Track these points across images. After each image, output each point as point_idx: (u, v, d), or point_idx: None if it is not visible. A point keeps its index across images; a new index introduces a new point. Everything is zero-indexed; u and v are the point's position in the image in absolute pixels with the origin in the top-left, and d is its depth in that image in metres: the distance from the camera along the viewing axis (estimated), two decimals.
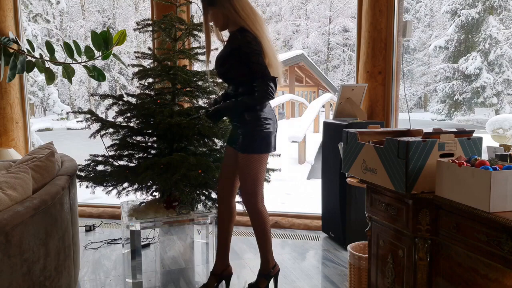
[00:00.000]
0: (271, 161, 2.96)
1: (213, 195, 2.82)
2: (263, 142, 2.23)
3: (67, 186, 2.15)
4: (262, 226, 2.36)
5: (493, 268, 1.36)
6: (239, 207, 2.91)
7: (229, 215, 2.46)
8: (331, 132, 3.26)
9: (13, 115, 3.96)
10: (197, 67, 3.38)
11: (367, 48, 3.37)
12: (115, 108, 2.89)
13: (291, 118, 14.51)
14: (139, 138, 2.90)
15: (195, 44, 3.11)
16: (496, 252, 1.32)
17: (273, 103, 12.22)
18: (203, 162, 2.62)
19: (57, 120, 19.53)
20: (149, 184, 2.84)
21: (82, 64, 3.41)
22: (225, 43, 2.26)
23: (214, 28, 2.29)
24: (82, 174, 2.82)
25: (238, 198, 2.87)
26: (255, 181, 2.29)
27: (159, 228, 3.50)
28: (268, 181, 2.90)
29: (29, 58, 3.46)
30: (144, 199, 2.98)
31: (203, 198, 2.82)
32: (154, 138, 2.90)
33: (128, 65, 3.74)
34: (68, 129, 18.44)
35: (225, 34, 2.30)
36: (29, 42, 3.54)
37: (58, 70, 4.60)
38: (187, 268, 2.88)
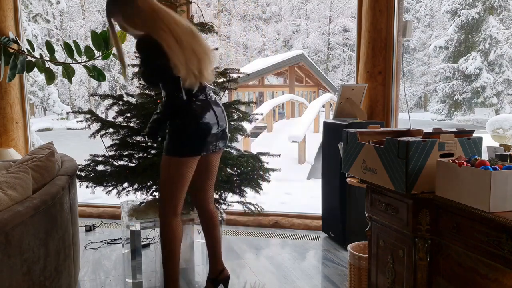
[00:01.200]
0: (271, 161, 2.97)
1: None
2: (179, 144, 2.07)
3: (67, 186, 2.15)
4: (165, 243, 2.16)
5: (493, 268, 1.36)
6: (239, 207, 2.91)
7: (211, 222, 2.36)
8: (331, 132, 3.26)
9: (13, 115, 3.96)
10: None
11: (367, 48, 3.37)
12: (115, 108, 2.88)
13: (291, 118, 14.51)
14: (139, 138, 2.90)
15: None
16: (496, 252, 1.32)
17: (273, 103, 12.03)
18: None
19: (57, 120, 19.54)
20: (149, 184, 2.84)
21: (82, 64, 3.41)
22: None
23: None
24: (82, 174, 2.82)
25: (239, 198, 2.88)
26: (167, 186, 2.13)
27: (159, 228, 3.49)
28: (268, 181, 2.91)
29: (29, 58, 3.46)
30: (144, 199, 2.98)
31: None
32: None
33: (128, 65, 3.73)
34: (68, 129, 18.45)
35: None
36: (29, 42, 3.54)
37: (58, 70, 4.60)
38: (187, 268, 2.88)
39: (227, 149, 2.92)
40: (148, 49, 1.99)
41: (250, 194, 2.89)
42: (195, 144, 2.08)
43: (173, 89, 2.01)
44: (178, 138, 2.06)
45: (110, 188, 2.85)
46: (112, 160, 2.84)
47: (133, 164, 2.83)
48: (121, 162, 2.84)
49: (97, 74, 3.40)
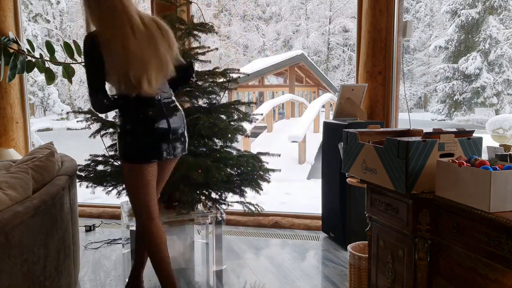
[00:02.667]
0: (271, 161, 2.97)
1: (213, 195, 2.82)
2: (126, 151, 2.03)
3: (67, 186, 2.15)
4: (151, 250, 2.12)
5: (493, 268, 1.36)
6: (239, 207, 2.91)
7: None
8: (331, 132, 3.26)
9: (13, 115, 3.96)
10: (197, 67, 3.38)
11: (367, 48, 3.37)
12: None
13: (291, 118, 14.51)
14: None
15: (195, 44, 3.11)
16: (496, 252, 1.32)
17: (273, 103, 12.02)
18: (203, 162, 2.62)
19: (57, 120, 19.54)
20: None
21: (82, 64, 3.41)
22: None
23: None
24: (82, 174, 2.82)
25: (239, 198, 2.88)
26: (130, 194, 2.11)
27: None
28: (268, 181, 2.90)
29: (29, 58, 3.46)
30: None
31: (203, 198, 2.82)
32: None
33: None
34: (68, 129, 18.44)
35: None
36: (29, 42, 3.54)
37: (58, 70, 4.59)
38: (187, 268, 2.88)
39: (227, 149, 2.93)
40: (85, 46, 1.94)
41: (250, 194, 2.89)
42: (144, 150, 2.01)
43: (92, 86, 1.95)
44: (126, 144, 2.02)
45: (110, 188, 2.85)
46: (112, 160, 2.84)
47: None
48: None
49: None
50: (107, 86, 1.99)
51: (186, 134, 2.16)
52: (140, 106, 2.00)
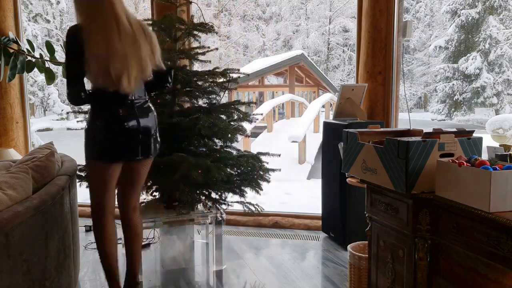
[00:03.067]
0: (271, 161, 2.97)
1: (213, 195, 2.82)
2: (90, 147, 2.03)
3: (67, 186, 2.15)
4: (97, 244, 2.15)
5: (493, 268, 1.36)
6: (239, 207, 2.91)
7: (131, 230, 2.28)
8: (331, 132, 3.26)
9: (13, 115, 3.95)
10: (197, 67, 3.38)
11: (367, 48, 3.37)
12: None
13: (291, 118, 14.51)
14: None
15: (195, 44, 3.11)
16: (496, 252, 1.32)
17: (273, 103, 12.02)
18: (203, 162, 2.62)
19: (57, 120, 19.54)
20: (149, 184, 2.84)
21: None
22: None
23: None
24: (82, 174, 2.81)
25: (239, 198, 2.87)
26: (90, 188, 2.14)
27: (159, 228, 3.49)
28: (268, 181, 2.90)
29: (29, 58, 3.46)
30: (144, 199, 2.98)
31: (203, 198, 2.82)
32: None
33: None
34: (68, 129, 18.45)
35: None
36: (29, 42, 3.54)
37: (58, 70, 4.60)
38: (187, 268, 2.88)
39: (227, 149, 2.93)
40: (67, 36, 1.95)
41: (250, 194, 2.89)
42: (110, 149, 2.01)
43: (71, 77, 1.96)
44: (92, 140, 2.02)
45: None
46: None
47: None
48: None
49: None
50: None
51: (157, 136, 2.14)
52: (112, 104, 1.99)
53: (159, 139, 2.17)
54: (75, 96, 1.97)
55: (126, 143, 2.02)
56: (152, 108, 2.15)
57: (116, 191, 2.24)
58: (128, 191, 2.24)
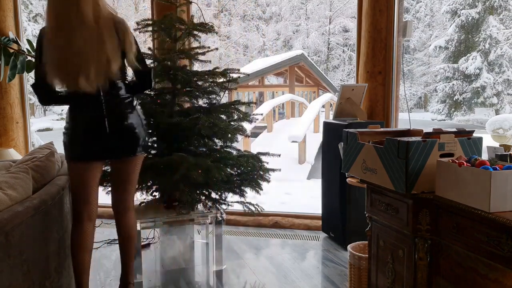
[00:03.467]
0: (271, 161, 2.97)
1: (213, 195, 2.82)
2: (66, 148, 2.04)
3: (67, 186, 2.15)
4: (71, 251, 2.07)
5: (493, 268, 1.36)
6: (239, 207, 2.91)
7: (124, 231, 2.29)
8: (331, 132, 3.26)
9: (13, 115, 3.95)
10: (197, 67, 3.38)
11: (367, 48, 3.37)
12: None
13: (291, 118, 14.51)
14: None
15: (195, 44, 3.11)
16: (496, 252, 1.32)
17: (273, 103, 12.01)
18: (203, 162, 2.62)
19: (57, 120, 19.53)
20: (149, 184, 2.84)
21: None
22: None
23: None
24: None
25: (239, 198, 2.87)
26: (70, 189, 2.11)
27: (159, 228, 3.50)
28: (268, 181, 2.90)
29: (29, 58, 3.46)
30: (144, 199, 2.98)
31: (203, 198, 2.82)
32: (154, 138, 2.90)
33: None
34: None
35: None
36: (29, 42, 3.54)
37: None
38: (187, 268, 2.88)
39: (227, 149, 2.93)
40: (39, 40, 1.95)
41: (250, 194, 2.89)
42: (76, 148, 2.01)
43: (35, 78, 1.97)
44: (64, 140, 2.02)
45: (110, 188, 2.84)
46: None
47: None
48: None
49: None
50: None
51: (138, 134, 2.06)
52: (79, 103, 1.98)
53: (143, 135, 2.09)
54: (40, 95, 1.99)
55: (91, 142, 1.99)
56: (133, 104, 2.08)
57: (110, 193, 2.26)
58: (119, 190, 2.22)
